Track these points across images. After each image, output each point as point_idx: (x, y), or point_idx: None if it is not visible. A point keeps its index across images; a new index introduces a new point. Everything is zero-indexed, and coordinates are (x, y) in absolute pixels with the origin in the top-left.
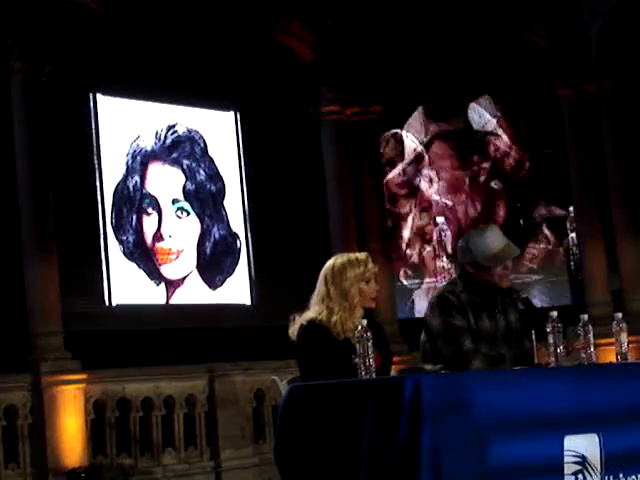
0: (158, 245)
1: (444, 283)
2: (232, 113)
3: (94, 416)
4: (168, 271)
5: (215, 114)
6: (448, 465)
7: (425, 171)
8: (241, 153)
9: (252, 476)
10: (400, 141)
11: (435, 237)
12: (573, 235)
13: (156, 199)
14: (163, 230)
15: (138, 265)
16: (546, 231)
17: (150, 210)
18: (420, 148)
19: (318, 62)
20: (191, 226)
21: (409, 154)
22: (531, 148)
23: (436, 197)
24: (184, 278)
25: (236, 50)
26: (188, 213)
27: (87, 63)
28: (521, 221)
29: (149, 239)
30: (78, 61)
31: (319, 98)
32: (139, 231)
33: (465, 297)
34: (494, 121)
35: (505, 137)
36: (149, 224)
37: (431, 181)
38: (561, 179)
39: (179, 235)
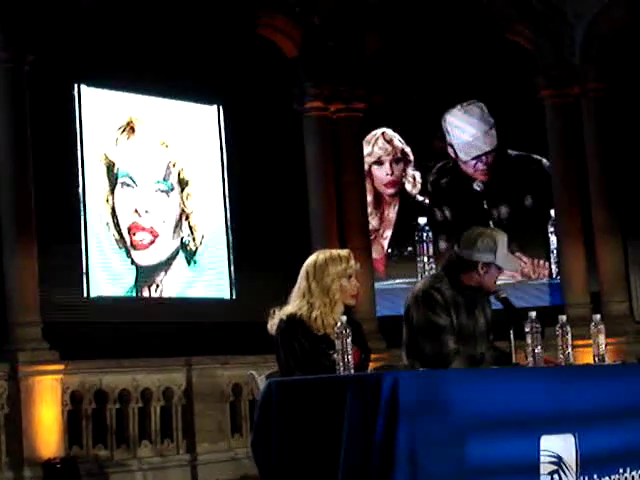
0: (135, 238)
1: (428, 277)
2: (215, 107)
3: (71, 407)
4: (140, 257)
5: (198, 108)
6: (424, 463)
7: (410, 171)
8: (223, 147)
9: (228, 470)
10: (388, 140)
11: (417, 237)
12: (553, 238)
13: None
14: (143, 222)
15: (117, 256)
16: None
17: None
18: (408, 148)
19: (302, 58)
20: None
21: (397, 153)
22: (512, 149)
23: (419, 197)
24: (164, 270)
25: (220, 44)
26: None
27: (71, 54)
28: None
29: (126, 232)
30: (62, 51)
31: (303, 94)
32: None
33: (449, 294)
34: (478, 133)
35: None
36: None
37: (415, 181)
38: (542, 181)
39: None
